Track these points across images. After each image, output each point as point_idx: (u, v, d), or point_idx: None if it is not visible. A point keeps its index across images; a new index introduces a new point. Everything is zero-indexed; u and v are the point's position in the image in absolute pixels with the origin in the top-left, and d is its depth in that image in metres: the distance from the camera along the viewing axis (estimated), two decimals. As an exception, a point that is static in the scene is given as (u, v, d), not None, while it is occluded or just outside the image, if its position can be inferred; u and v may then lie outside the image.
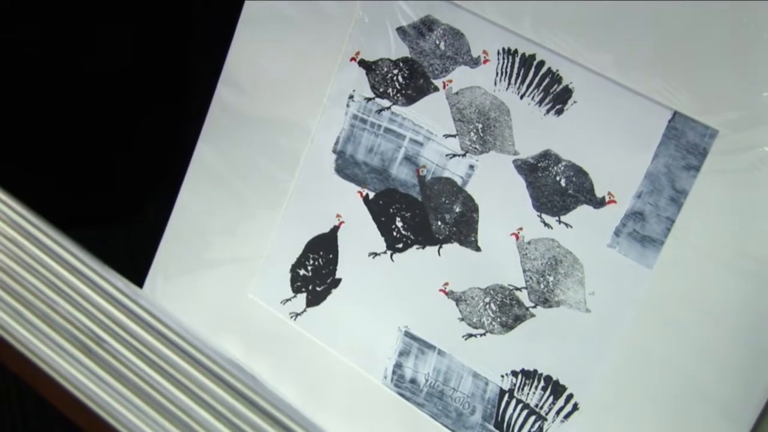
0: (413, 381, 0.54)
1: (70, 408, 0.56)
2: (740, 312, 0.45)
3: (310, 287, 0.57)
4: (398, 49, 0.53)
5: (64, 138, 0.75)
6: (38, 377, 0.56)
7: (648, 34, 0.47)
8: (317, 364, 0.56)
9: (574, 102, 0.49)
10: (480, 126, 0.52)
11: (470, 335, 0.52)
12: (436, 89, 0.53)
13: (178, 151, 0.61)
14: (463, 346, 0.52)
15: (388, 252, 0.54)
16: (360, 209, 0.55)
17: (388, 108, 0.54)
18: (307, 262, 0.57)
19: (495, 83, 0.51)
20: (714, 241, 0.46)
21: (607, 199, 0.49)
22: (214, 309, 0.59)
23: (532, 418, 0.51)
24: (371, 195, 0.55)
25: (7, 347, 0.57)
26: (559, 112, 0.49)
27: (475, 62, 0.51)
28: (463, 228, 0.52)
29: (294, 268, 0.57)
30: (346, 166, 0.55)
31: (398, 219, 0.54)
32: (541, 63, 0.50)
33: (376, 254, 0.55)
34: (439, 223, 0.53)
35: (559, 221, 0.50)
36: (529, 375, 0.51)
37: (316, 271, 0.56)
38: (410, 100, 0.53)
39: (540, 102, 0.50)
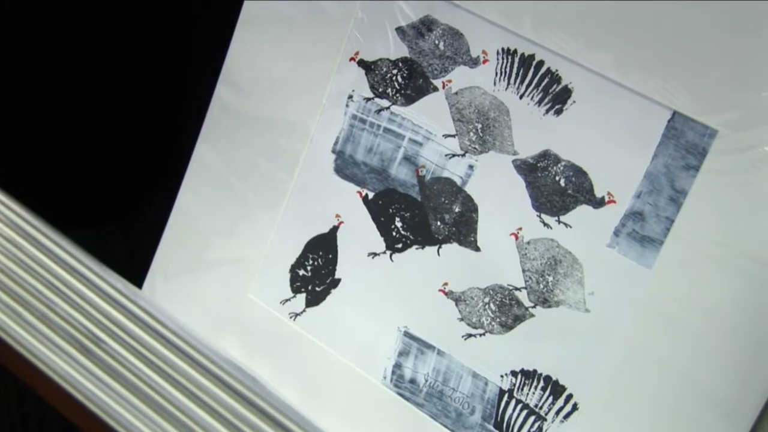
0: (413, 381, 0.54)
1: (69, 408, 0.56)
2: (740, 312, 0.45)
3: (310, 287, 0.57)
4: (397, 49, 0.53)
5: (63, 138, 0.75)
6: (37, 378, 0.56)
7: (647, 34, 0.47)
8: (317, 365, 0.56)
9: (574, 102, 0.49)
10: (479, 126, 0.51)
11: (470, 335, 0.52)
12: (435, 89, 0.53)
13: (178, 151, 0.61)
14: (463, 346, 0.52)
15: (388, 252, 0.54)
16: (359, 209, 0.55)
17: (388, 108, 0.54)
18: (306, 263, 0.57)
19: (494, 83, 0.51)
20: (713, 241, 0.46)
21: (606, 199, 0.49)
22: (213, 309, 0.59)
23: (532, 418, 0.51)
24: (370, 195, 0.55)
25: (5, 348, 0.57)
26: (559, 112, 0.49)
27: (474, 62, 0.51)
28: (463, 228, 0.52)
29: (293, 269, 0.57)
30: (346, 166, 0.55)
31: (397, 219, 0.54)
32: (541, 63, 0.50)
33: (375, 254, 0.55)
34: (439, 223, 0.53)
35: (559, 221, 0.50)
36: (528, 375, 0.51)
37: (315, 271, 0.56)
38: (409, 100, 0.53)
39: (539, 102, 0.50)
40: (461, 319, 0.52)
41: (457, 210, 0.52)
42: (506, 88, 0.51)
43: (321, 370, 0.56)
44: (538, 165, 0.50)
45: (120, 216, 0.79)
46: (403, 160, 0.54)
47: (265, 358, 0.57)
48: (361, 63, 0.54)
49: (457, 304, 0.52)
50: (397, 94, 0.54)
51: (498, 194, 0.51)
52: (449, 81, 0.52)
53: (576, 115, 0.49)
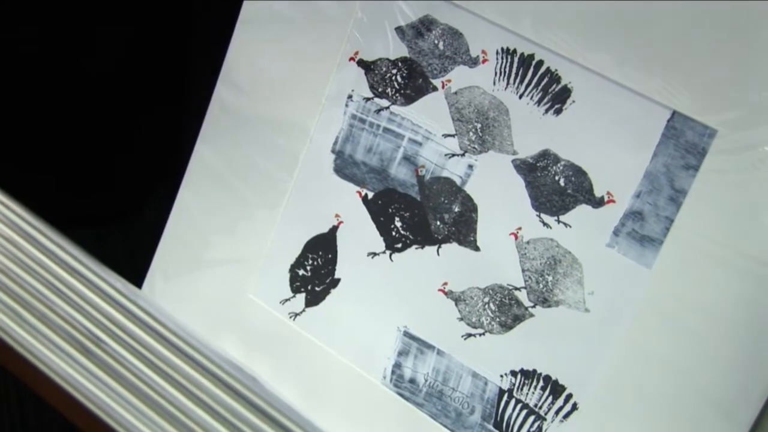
0: (412, 381, 0.54)
1: (69, 409, 0.56)
2: (739, 311, 0.45)
3: (309, 287, 0.56)
4: (397, 49, 0.53)
5: (63, 138, 0.75)
6: (37, 378, 0.56)
7: (647, 34, 0.47)
8: (316, 364, 0.56)
9: (573, 101, 0.49)
10: (479, 126, 0.51)
11: (469, 335, 0.52)
12: (434, 89, 0.53)
13: (177, 151, 0.61)
14: (462, 345, 0.52)
15: (387, 252, 0.54)
16: (359, 209, 0.55)
17: (387, 108, 0.54)
18: (306, 262, 0.57)
19: (494, 83, 0.51)
20: (713, 241, 0.46)
21: (606, 199, 0.49)
22: (213, 309, 0.59)
23: (532, 417, 0.51)
24: (370, 195, 0.55)
25: (5, 348, 0.57)
26: (558, 111, 0.49)
27: (473, 62, 0.51)
28: (462, 228, 0.52)
29: (293, 268, 0.57)
30: (345, 166, 0.55)
31: (397, 219, 0.54)
32: (540, 62, 0.50)
33: (375, 254, 0.55)
34: (438, 222, 0.53)
35: (558, 221, 0.50)
36: (528, 375, 0.51)
37: (315, 271, 0.56)
38: (409, 100, 0.53)
39: (539, 101, 0.50)
40: (461, 319, 0.52)
41: (456, 210, 0.52)
42: (506, 88, 0.51)
43: (321, 369, 0.56)
44: (538, 165, 0.50)
45: (120, 216, 0.79)
46: (403, 160, 0.54)
47: (265, 358, 0.57)
48: (361, 63, 0.54)
49: (456, 304, 0.52)
50: (397, 94, 0.54)
51: (497, 194, 0.51)
52: (449, 81, 0.52)
53: (575, 115, 0.49)
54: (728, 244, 0.46)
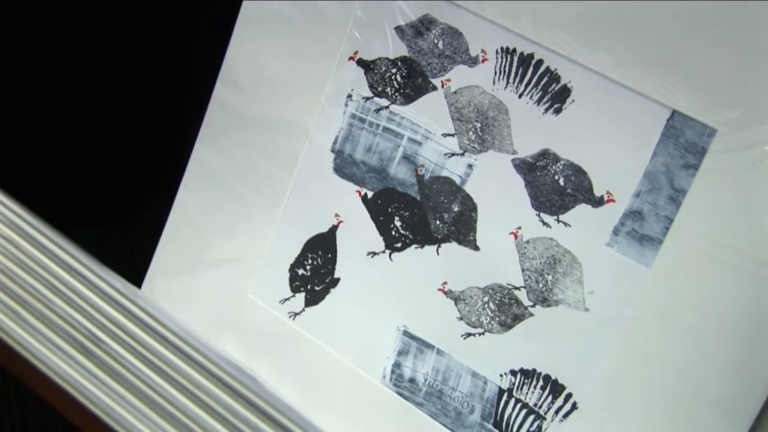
0: (412, 380, 0.54)
1: (69, 408, 0.56)
2: (739, 311, 0.45)
3: (309, 287, 0.56)
4: (396, 48, 0.53)
5: (63, 138, 0.76)
6: (37, 378, 0.56)
7: (647, 33, 0.47)
8: (316, 364, 0.56)
9: (573, 101, 0.49)
10: (478, 125, 0.51)
11: (469, 334, 0.52)
12: (434, 88, 0.53)
13: (177, 151, 0.61)
14: (462, 345, 0.52)
15: (387, 251, 0.54)
16: (358, 208, 0.55)
17: (387, 107, 0.54)
18: (305, 262, 0.57)
19: (493, 82, 0.51)
20: (713, 240, 0.46)
21: (605, 198, 0.49)
22: (212, 309, 0.59)
23: (531, 417, 0.51)
24: (370, 194, 0.55)
25: (5, 348, 0.57)
26: (558, 111, 0.49)
27: (473, 61, 0.51)
28: (462, 227, 0.52)
29: (293, 268, 0.57)
30: (345, 166, 0.55)
31: (397, 218, 0.54)
32: (540, 62, 0.50)
33: (374, 253, 0.55)
34: (438, 222, 0.53)
35: (558, 220, 0.50)
36: (527, 374, 0.51)
37: (314, 270, 0.56)
38: (408, 99, 0.53)
39: (538, 101, 0.50)
40: (460, 319, 0.52)
41: (456, 209, 0.52)
42: (505, 87, 0.51)
43: (320, 369, 0.56)
44: (537, 164, 0.50)
45: (120, 216, 0.79)
46: (402, 160, 0.54)
47: (265, 358, 0.57)
48: (360, 62, 0.54)
49: (456, 304, 0.52)
50: (396, 94, 0.54)
51: (497, 193, 0.51)
52: (448, 80, 0.52)
53: (575, 114, 0.49)
54: (728, 243, 0.46)
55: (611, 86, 0.48)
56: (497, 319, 0.51)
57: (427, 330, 0.53)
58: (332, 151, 0.55)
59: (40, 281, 0.58)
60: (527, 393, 0.51)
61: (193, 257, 0.59)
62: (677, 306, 0.47)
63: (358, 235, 0.55)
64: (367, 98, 0.54)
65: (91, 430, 0.55)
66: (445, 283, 0.53)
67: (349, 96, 0.55)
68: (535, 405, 0.51)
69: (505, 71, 0.51)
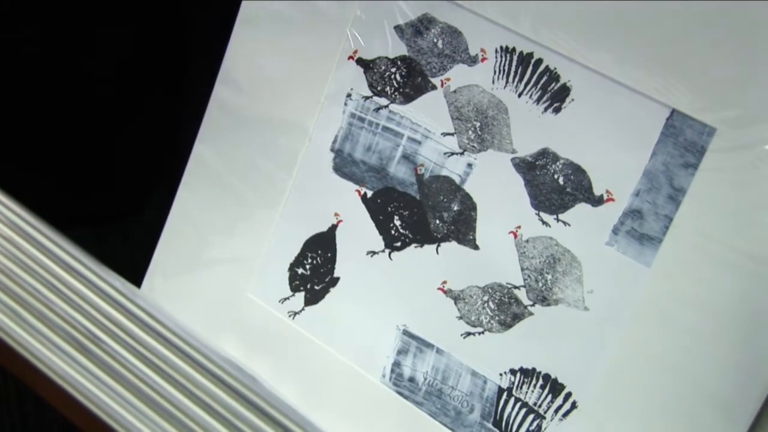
0: (412, 379, 0.54)
1: (69, 408, 0.56)
2: (738, 310, 0.45)
3: (309, 286, 0.56)
4: (396, 48, 0.53)
5: (63, 138, 0.76)
6: (37, 378, 0.56)
7: (646, 32, 0.47)
8: (316, 363, 0.56)
9: (572, 100, 0.49)
10: (478, 124, 0.51)
11: (469, 333, 0.52)
12: (434, 87, 0.53)
13: (176, 151, 0.61)
14: (462, 344, 0.52)
15: (387, 250, 0.54)
16: (358, 208, 0.55)
17: (386, 106, 0.54)
18: (305, 261, 0.57)
19: (493, 81, 0.51)
20: (712, 239, 0.46)
21: (605, 197, 0.49)
22: (212, 308, 0.59)
23: (531, 416, 0.51)
24: (369, 193, 0.55)
25: (5, 348, 0.57)
26: (557, 110, 0.49)
27: (472, 60, 0.51)
28: (462, 226, 0.52)
29: (292, 267, 0.57)
30: (344, 165, 0.55)
31: (396, 217, 0.54)
32: (539, 61, 0.50)
33: (374, 253, 0.55)
34: (438, 221, 0.53)
35: (558, 219, 0.50)
36: (527, 373, 0.51)
37: (314, 269, 0.56)
38: (408, 99, 0.53)
39: (538, 100, 0.50)
40: (460, 318, 0.52)
41: (455, 208, 0.52)
42: (505, 87, 0.51)
43: (320, 368, 0.56)
44: (537, 163, 0.50)
45: (119, 216, 0.79)
46: (402, 159, 0.54)
47: (264, 357, 0.57)
48: (360, 61, 0.54)
49: (456, 303, 0.52)
50: (396, 93, 0.54)
51: (497, 192, 0.51)
52: (448, 79, 0.52)
53: (574, 113, 0.49)
54: (727, 242, 0.45)
55: (611, 85, 0.48)
56: (497, 318, 0.51)
57: (426, 329, 0.53)
58: (332, 150, 0.55)
59: (40, 281, 0.58)
60: (527, 392, 0.51)
61: (192, 257, 0.59)
62: (677, 305, 0.47)
63: (358, 234, 0.55)
64: (367, 97, 0.54)
65: (91, 430, 0.55)
66: (444, 282, 0.53)
67: (349, 95, 0.55)
68: (535, 404, 0.51)
69: (504, 70, 0.51)
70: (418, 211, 0.53)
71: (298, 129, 0.56)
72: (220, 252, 0.59)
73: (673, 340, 0.47)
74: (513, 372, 0.51)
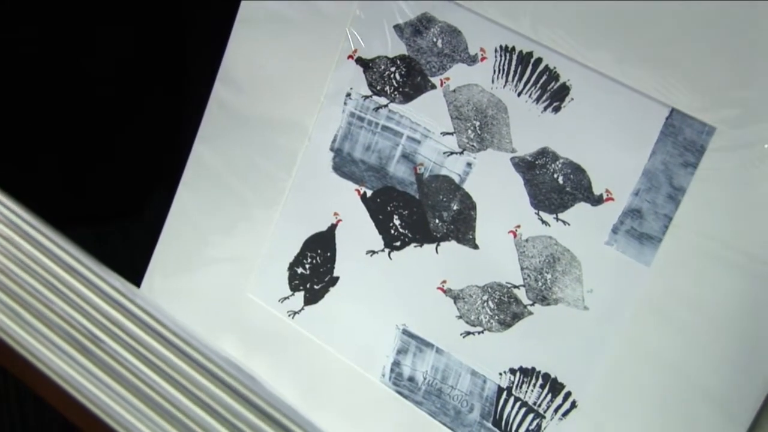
0: (411, 379, 0.54)
1: (68, 408, 0.56)
2: (738, 309, 0.45)
3: (308, 285, 0.56)
4: (395, 47, 0.53)
5: (63, 138, 0.76)
6: (37, 378, 0.56)
7: (646, 32, 0.47)
8: (315, 363, 0.56)
9: (572, 99, 0.49)
10: (477, 123, 0.51)
11: (468, 333, 0.52)
12: (433, 87, 0.53)
13: (176, 151, 0.61)
14: (461, 343, 0.52)
15: (386, 250, 0.54)
16: (357, 207, 0.55)
17: (386, 106, 0.54)
18: (304, 261, 0.57)
19: (492, 81, 0.51)
20: (712, 239, 0.46)
21: (604, 197, 0.49)
22: (211, 308, 0.59)
23: (531, 415, 0.51)
24: (369, 193, 0.55)
25: (5, 348, 0.57)
26: (557, 109, 0.49)
27: (472, 60, 0.51)
28: (461, 226, 0.52)
29: (292, 267, 0.57)
30: (344, 164, 0.55)
31: (396, 217, 0.54)
32: (539, 60, 0.50)
33: (373, 252, 0.55)
34: (437, 220, 0.53)
35: (557, 219, 0.50)
36: (527, 373, 0.51)
37: (313, 269, 0.56)
38: (407, 98, 0.53)
39: (537, 99, 0.50)
40: (460, 317, 0.52)
41: (455, 208, 0.52)
42: (504, 86, 0.51)
43: (320, 368, 0.56)
44: (537, 162, 0.50)
45: (118, 215, 0.79)
46: (402, 158, 0.54)
47: (264, 357, 0.57)
48: (359, 61, 0.54)
49: (455, 302, 0.52)
50: (395, 92, 0.54)
51: (496, 192, 0.51)
52: (447, 78, 0.52)
53: (574, 113, 0.49)
54: (727, 241, 0.45)
55: (610, 84, 0.48)
56: (496, 317, 0.51)
57: (426, 328, 0.53)
58: (331, 149, 0.55)
59: (40, 281, 0.58)
60: (526, 391, 0.51)
61: (192, 256, 0.59)
62: (676, 304, 0.47)
63: (357, 233, 0.55)
64: (366, 97, 0.54)
65: (91, 430, 0.55)
66: (444, 281, 0.53)
67: (348, 95, 0.55)
68: (535, 403, 0.51)
69: (504, 69, 0.51)
70: (418, 211, 0.53)
71: (298, 128, 0.56)
72: (220, 252, 0.59)
73: (672, 340, 0.47)
74: (512, 371, 0.51)
